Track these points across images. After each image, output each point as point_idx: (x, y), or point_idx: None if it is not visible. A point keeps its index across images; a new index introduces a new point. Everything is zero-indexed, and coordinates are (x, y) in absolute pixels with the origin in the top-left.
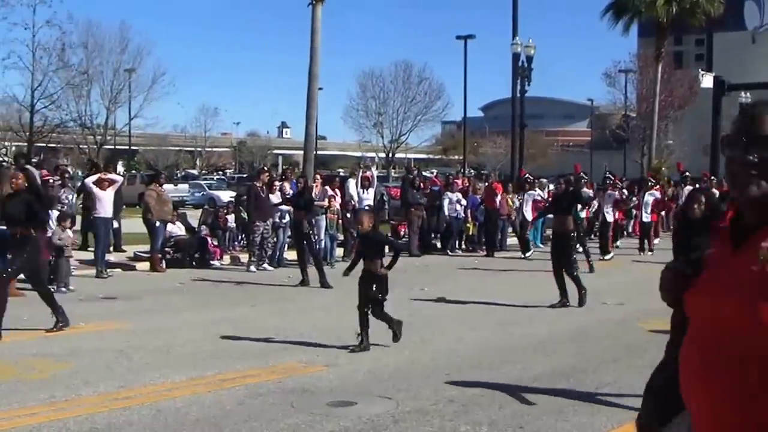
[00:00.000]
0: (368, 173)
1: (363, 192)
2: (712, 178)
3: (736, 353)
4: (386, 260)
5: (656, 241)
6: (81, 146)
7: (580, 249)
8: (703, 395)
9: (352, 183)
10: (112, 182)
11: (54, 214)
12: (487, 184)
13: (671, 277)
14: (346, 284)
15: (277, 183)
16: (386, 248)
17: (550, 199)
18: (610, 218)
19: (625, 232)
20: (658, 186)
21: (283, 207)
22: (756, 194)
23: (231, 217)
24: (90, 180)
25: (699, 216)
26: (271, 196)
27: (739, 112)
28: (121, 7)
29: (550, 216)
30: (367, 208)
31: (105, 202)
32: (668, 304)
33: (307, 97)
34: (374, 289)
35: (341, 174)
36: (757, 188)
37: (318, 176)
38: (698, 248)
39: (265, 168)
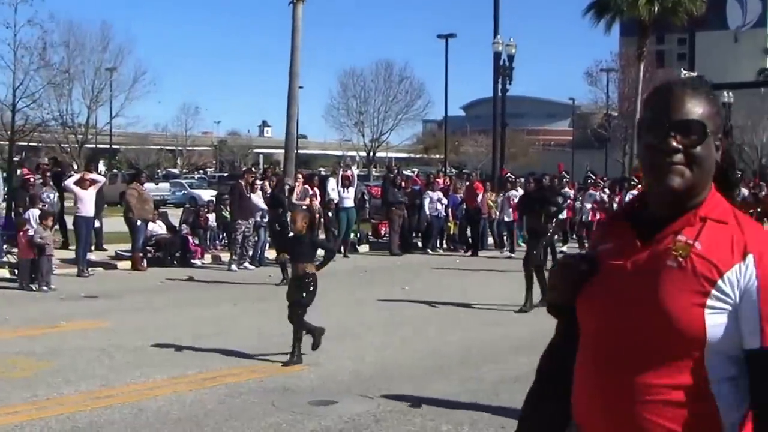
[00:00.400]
0: (348, 172)
1: (343, 191)
2: None
3: (643, 358)
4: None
5: None
6: (62, 145)
7: (565, 247)
8: (600, 403)
9: (332, 182)
10: (94, 182)
11: (35, 212)
12: (468, 183)
13: (564, 274)
14: (326, 284)
15: (258, 182)
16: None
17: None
18: (587, 218)
19: None
20: (639, 186)
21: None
22: (679, 185)
23: (212, 216)
24: (71, 180)
25: None
26: (252, 195)
27: (654, 92)
28: (103, 7)
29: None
30: (304, 207)
31: (86, 201)
32: (550, 309)
33: (287, 95)
34: (301, 293)
35: (323, 173)
36: (681, 178)
37: (300, 175)
38: None
39: (253, 169)
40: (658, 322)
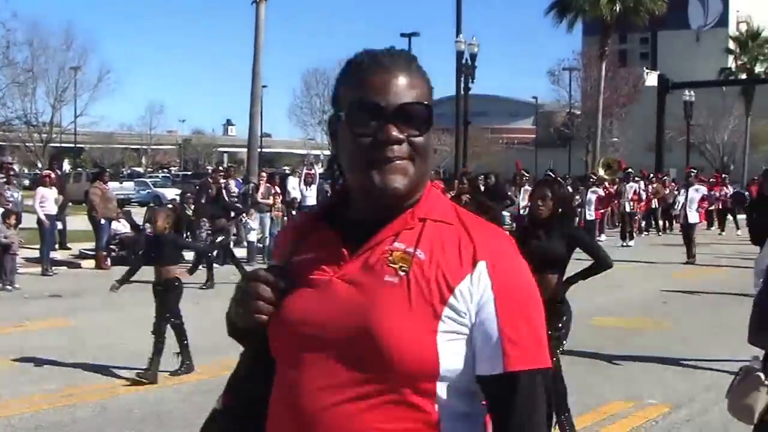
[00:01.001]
0: (311, 170)
1: (306, 189)
2: (651, 175)
3: (358, 396)
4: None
5: (602, 237)
6: (27, 144)
7: None
8: None
9: (292, 180)
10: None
11: None
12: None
13: (253, 293)
14: None
15: (222, 181)
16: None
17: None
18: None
19: None
20: (606, 183)
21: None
22: (403, 186)
23: None
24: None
25: (546, 215)
26: None
27: (359, 67)
28: (66, 6)
29: None
30: (170, 205)
31: (49, 200)
32: (232, 332)
33: (251, 95)
34: (165, 309)
35: (286, 171)
36: (404, 177)
37: (263, 174)
38: None
39: (221, 169)
40: (377, 354)
